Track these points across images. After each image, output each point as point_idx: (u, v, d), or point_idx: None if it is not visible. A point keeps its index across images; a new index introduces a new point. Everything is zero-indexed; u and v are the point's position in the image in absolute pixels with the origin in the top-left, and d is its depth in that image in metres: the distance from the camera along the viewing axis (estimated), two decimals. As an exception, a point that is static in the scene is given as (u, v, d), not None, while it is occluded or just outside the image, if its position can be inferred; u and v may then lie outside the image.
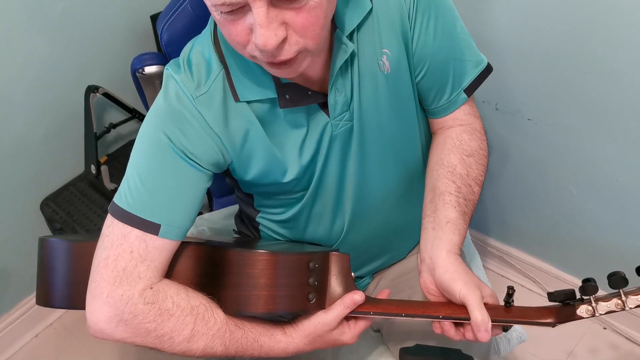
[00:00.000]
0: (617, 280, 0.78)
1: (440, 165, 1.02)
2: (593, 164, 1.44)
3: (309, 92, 0.92)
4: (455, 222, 0.95)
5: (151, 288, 0.87)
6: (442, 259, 0.91)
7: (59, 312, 1.95)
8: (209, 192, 1.54)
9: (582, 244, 1.61)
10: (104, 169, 1.75)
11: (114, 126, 1.78)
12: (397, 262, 1.22)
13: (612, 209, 1.48)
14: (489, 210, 1.77)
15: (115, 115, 1.82)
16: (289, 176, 0.98)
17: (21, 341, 1.89)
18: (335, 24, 0.89)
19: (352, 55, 0.92)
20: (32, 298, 1.87)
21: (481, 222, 1.82)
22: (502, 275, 1.88)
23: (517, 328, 1.25)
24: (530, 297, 1.80)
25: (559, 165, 1.51)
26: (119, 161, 1.84)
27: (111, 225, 0.88)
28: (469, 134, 1.04)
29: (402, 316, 0.92)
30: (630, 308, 0.78)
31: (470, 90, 1.02)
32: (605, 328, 1.70)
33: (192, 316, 0.87)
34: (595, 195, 1.49)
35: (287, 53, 0.78)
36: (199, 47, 0.93)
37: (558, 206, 1.59)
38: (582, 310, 0.81)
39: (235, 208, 1.30)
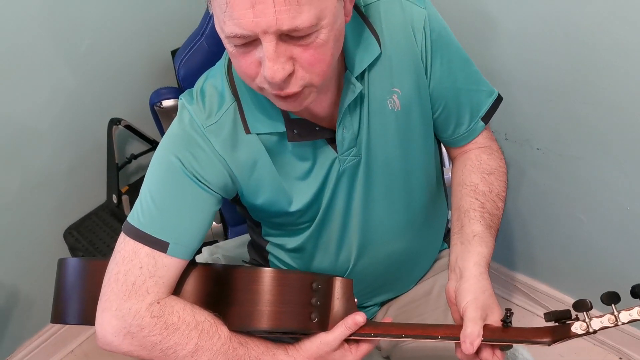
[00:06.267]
0: (609, 297, 0.79)
1: (463, 186, 1.04)
2: (602, 193, 1.45)
3: (317, 128, 0.95)
4: (482, 235, 0.97)
5: (158, 303, 0.89)
6: (468, 270, 0.92)
7: (80, 339, 1.98)
8: (223, 221, 1.57)
9: (593, 272, 1.60)
10: (125, 198, 1.79)
11: (135, 157, 1.82)
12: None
13: (623, 238, 1.48)
14: (499, 237, 1.75)
15: (136, 146, 1.86)
16: (295, 206, 1.01)
17: (43, 367, 1.92)
18: (346, 65, 0.93)
19: (361, 95, 0.95)
20: (54, 325, 1.90)
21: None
22: (509, 301, 1.88)
23: (524, 354, 1.25)
24: (538, 322, 1.79)
25: (569, 194, 1.52)
26: (139, 191, 1.87)
27: (123, 242, 0.92)
28: (487, 154, 1.07)
29: (402, 337, 0.93)
30: (623, 323, 0.79)
31: (487, 118, 1.07)
32: (621, 358, 1.68)
33: (197, 331, 0.89)
34: (606, 224, 1.49)
35: (293, 87, 0.81)
36: (212, 80, 0.97)
37: (569, 235, 1.59)
38: (577, 327, 0.82)
39: (249, 237, 1.33)
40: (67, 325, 1.93)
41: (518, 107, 1.47)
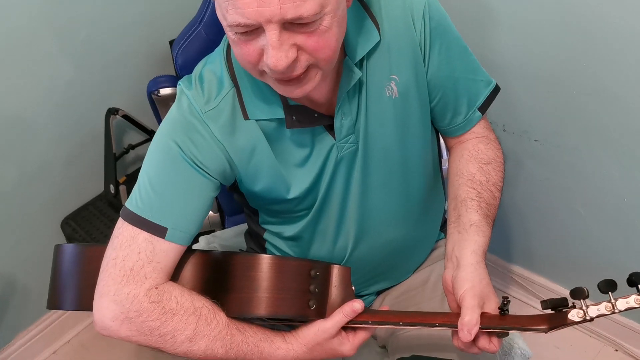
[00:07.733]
0: (606, 285, 0.80)
1: (460, 175, 1.05)
2: (600, 184, 1.45)
3: (316, 115, 0.96)
4: (479, 224, 0.97)
5: (156, 288, 0.90)
6: (465, 258, 0.93)
7: (77, 328, 1.98)
8: (221, 211, 1.57)
9: (589, 264, 1.61)
10: (123, 188, 1.79)
11: (132, 147, 1.82)
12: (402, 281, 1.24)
13: (620, 230, 1.48)
14: (496, 230, 1.76)
15: (134, 136, 1.87)
16: (293, 193, 1.02)
17: (39, 357, 1.92)
18: (345, 52, 0.93)
19: (360, 81, 0.96)
20: (51, 314, 1.91)
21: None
22: (505, 293, 1.88)
23: (520, 344, 1.25)
24: (534, 313, 1.79)
25: (567, 186, 1.52)
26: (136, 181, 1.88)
27: (121, 227, 0.92)
28: (485, 144, 1.08)
29: (400, 325, 0.94)
30: (620, 311, 0.79)
31: (483, 108, 1.07)
32: (617, 350, 1.69)
33: (195, 317, 0.89)
34: (603, 216, 1.49)
35: (298, 70, 0.82)
36: (211, 65, 0.97)
37: (566, 226, 1.59)
38: (574, 314, 0.83)
39: (246, 226, 1.33)
40: (64, 315, 1.94)
41: (516, 98, 1.47)
